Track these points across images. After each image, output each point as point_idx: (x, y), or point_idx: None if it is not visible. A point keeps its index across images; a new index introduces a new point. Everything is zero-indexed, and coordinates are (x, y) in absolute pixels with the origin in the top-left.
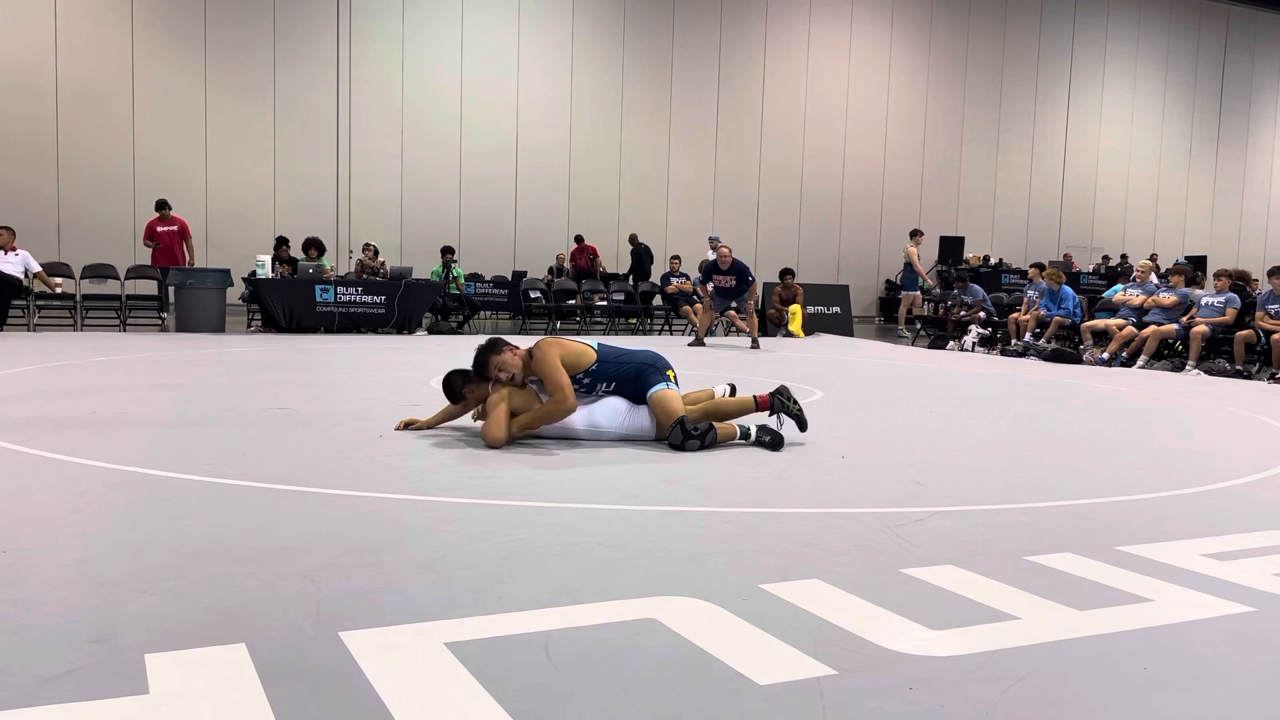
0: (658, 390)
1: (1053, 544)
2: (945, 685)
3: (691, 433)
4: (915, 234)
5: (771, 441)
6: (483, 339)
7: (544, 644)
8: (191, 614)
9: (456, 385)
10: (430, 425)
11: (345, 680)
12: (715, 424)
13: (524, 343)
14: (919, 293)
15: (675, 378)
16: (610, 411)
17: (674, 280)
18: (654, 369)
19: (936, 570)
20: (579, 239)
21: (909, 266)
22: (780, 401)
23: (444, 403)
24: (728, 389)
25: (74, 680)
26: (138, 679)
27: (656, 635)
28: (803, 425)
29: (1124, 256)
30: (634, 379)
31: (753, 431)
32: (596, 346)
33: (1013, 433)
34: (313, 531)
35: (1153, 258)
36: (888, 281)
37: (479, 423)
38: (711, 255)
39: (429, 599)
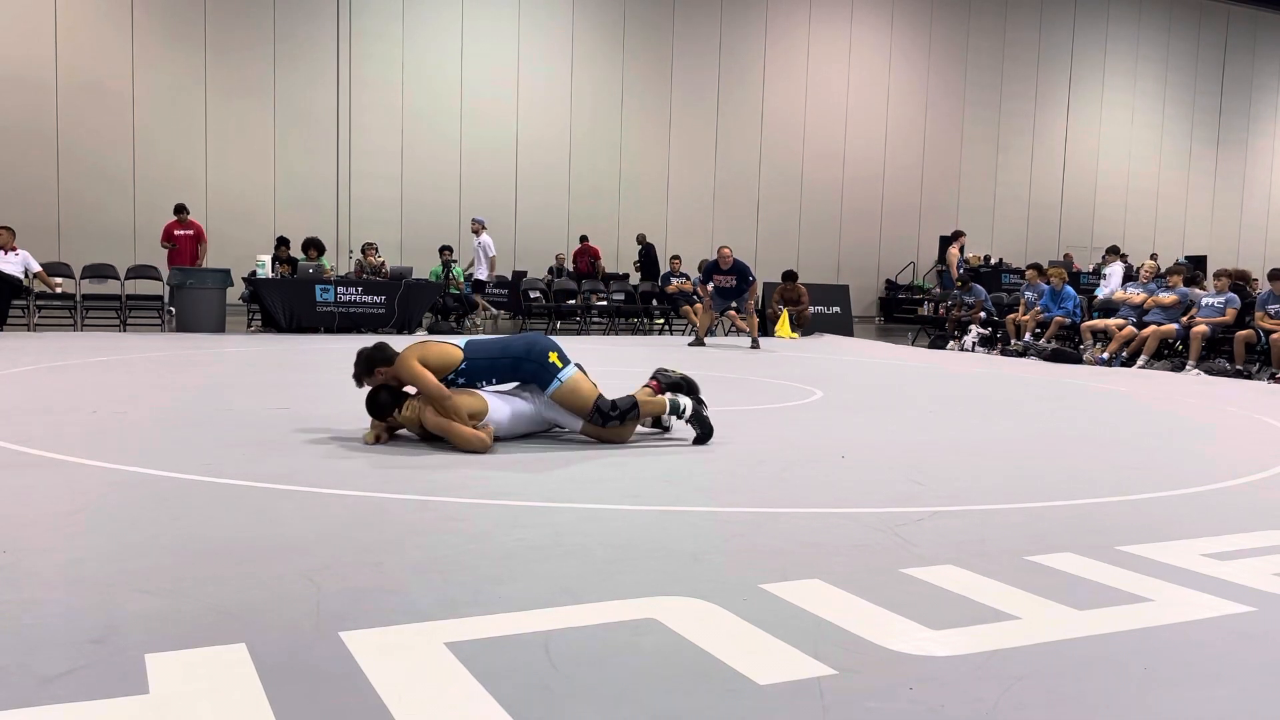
0: (554, 389)
1: (1053, 544)
2: (945, 685)
3: (610, 414)
4: (957, 235)
5: (701, 431)
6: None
7: (544, 644)
8: (191, 614)
9: (387, 402)
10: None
11: (345, 680)
12: (639, 399)
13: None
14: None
15: (559, 358)
16: (498, 406)
17: (674, 280)
18: (529, 361)
19: (936, 570)
20: (583, 239)
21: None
22: (664, 375)
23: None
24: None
25: (74, 680)
26: (138, 679)
27: (656, 635)
28: (691, 393)
29: (1123, 256)
30: (510, 371)
31: (686, 410)
32: (464, 345)
33: (1013, 432)
34: (313, 531)
35: (1153, 257)
36: (888, 281)
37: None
38: (475, 240)
39: (429, 599)
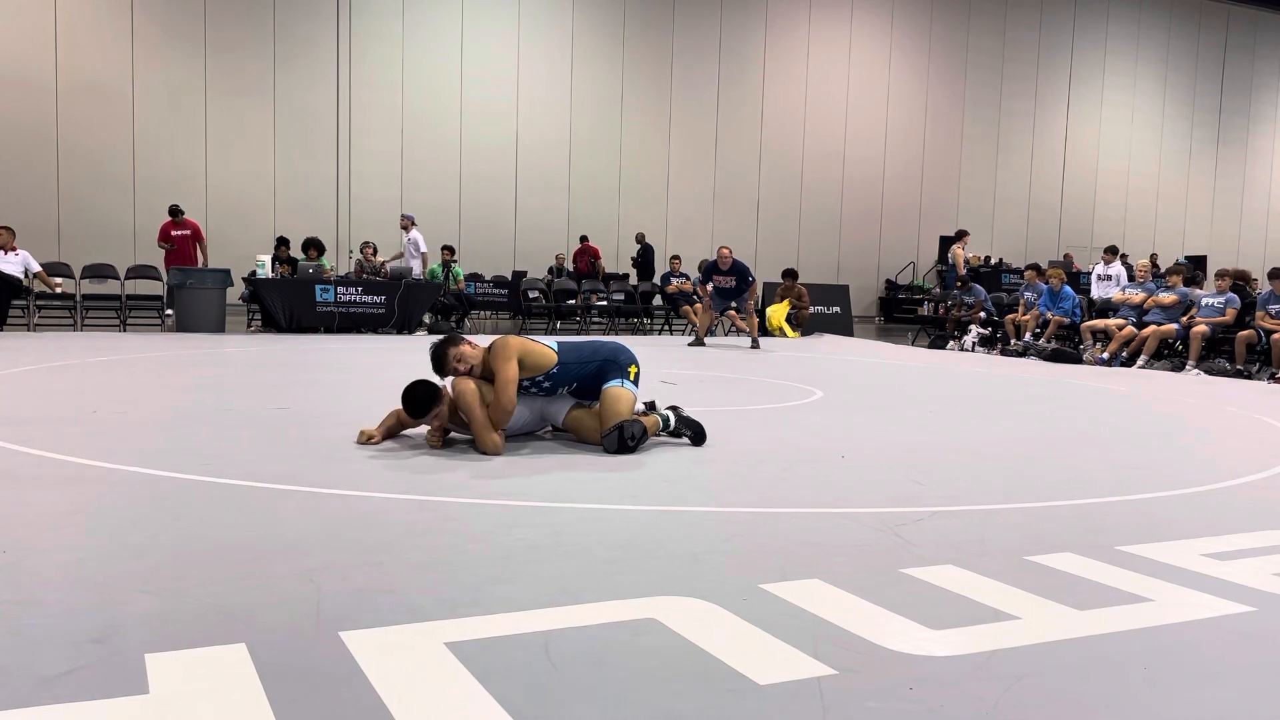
0: (612, 386)
1: (1053, 544)
2: (945, 685)
3: (628, 443)
4: (961, 235)
5: (693, 434)
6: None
7: (544, 644)
8: (191, 614)
9: (425, 396)
10: (386, 436)
11: (345, 680)
12: (643, 421)
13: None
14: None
15: (637, 374)
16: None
17: (674, 280)
18: (615, 364)
19: (936, 570)
20: (583, 239)
21: (954, 267)
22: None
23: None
24: (643, 407)
25: (74, 680)
26: (138, 679)
27: (656, 635)
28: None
29: (1123, 256)
30: (595, 376)
31: (672, 420)
32: (557, 348)
33: (1013, 432)
34: (313, 531)
35: (1153, 258)
36: (888, 281)
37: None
38: (404, 237)
39: (429, 599)
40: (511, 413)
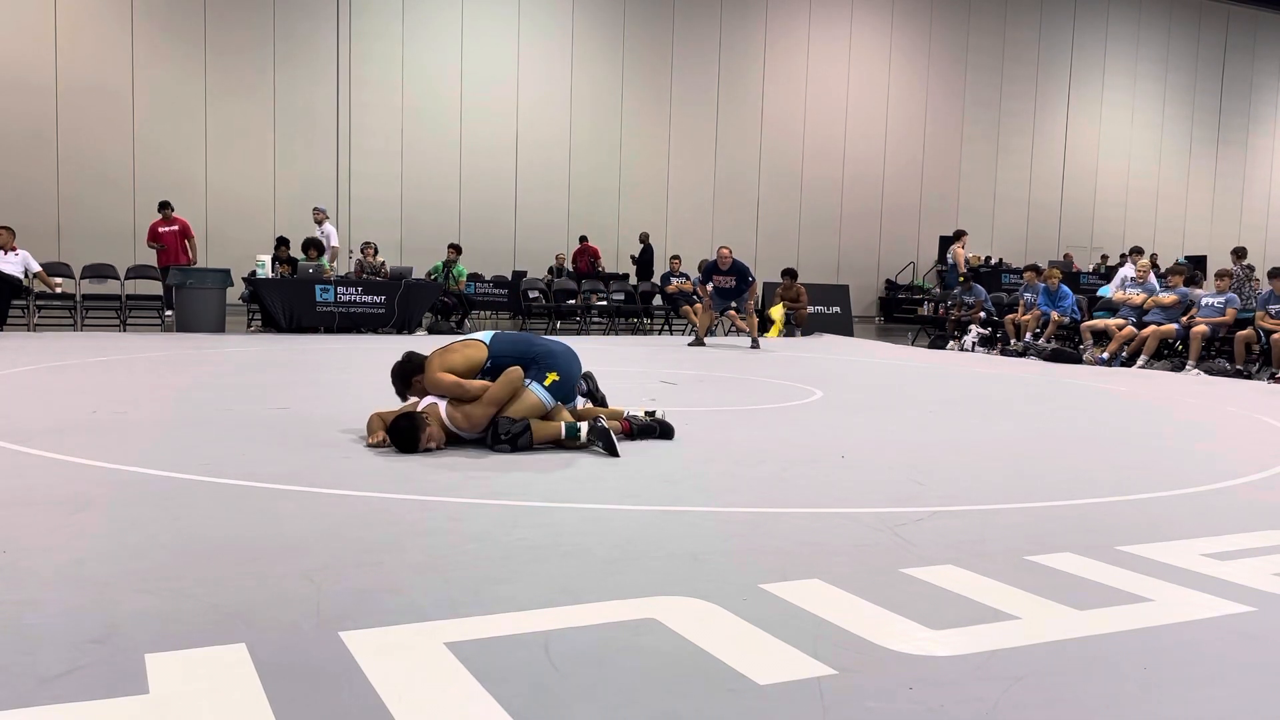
0: (522, 388)
1: (1053, 544)
2: (945, 685)
3: (500, 436)
4: (960, 235)
5: (605, 445)
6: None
7: (544, 644)
8: (191, 614)
9: (409, 431)
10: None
11: (345, 680)
12: (533, 423)
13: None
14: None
15: (554, 382)
16: None
17: (674, 280)
18: (536, 364)
19: (936, 570)
20: (583, 239)
21: (954, 267)
22: (635, 419)
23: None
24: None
25: (74, 680)
26: (138, 679)
27: (656, 635)
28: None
29: (1123, 256)
30: (533, 369)
31: (583, 432)
32: (489, 341)
33: (1013, 432)
34: (313, 531)
35: (1153, 258)
36: (888, 281)
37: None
38: (317, 231)
39: (429, 599)
40: (472, 392)
